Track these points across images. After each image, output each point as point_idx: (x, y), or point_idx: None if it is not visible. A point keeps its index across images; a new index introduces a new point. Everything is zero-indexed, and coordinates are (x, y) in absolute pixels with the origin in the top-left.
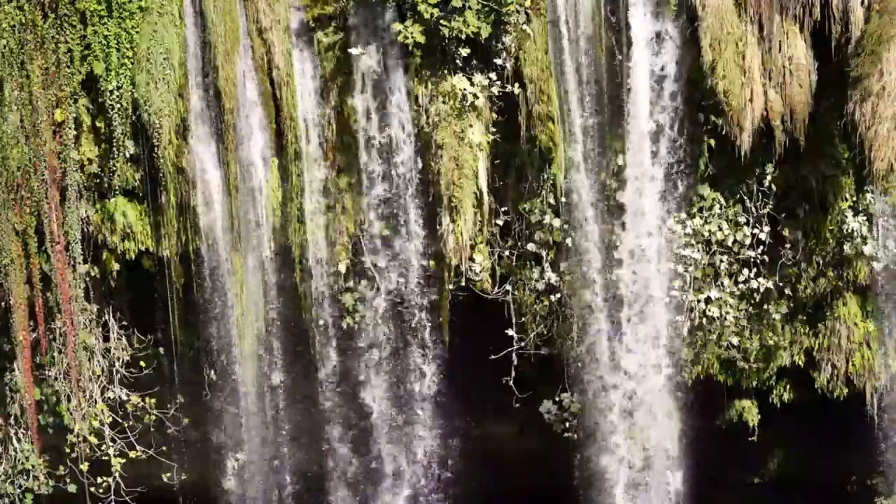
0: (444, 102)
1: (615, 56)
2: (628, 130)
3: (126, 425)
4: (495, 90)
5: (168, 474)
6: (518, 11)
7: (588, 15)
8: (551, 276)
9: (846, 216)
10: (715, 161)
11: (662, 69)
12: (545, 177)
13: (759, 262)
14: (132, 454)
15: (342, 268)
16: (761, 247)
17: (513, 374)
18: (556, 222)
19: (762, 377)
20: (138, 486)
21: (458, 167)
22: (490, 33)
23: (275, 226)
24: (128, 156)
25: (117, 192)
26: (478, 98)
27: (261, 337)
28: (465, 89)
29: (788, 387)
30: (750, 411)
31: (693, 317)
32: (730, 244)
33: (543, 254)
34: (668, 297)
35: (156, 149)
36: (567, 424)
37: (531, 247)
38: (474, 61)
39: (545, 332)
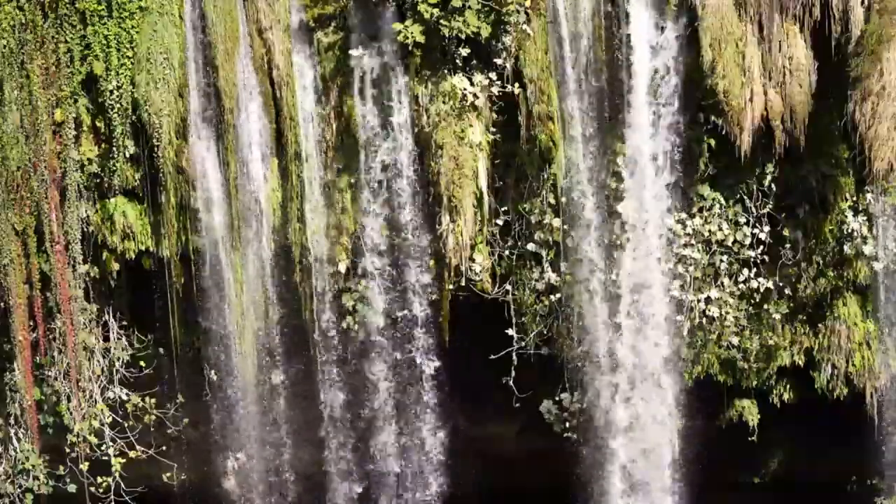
0: (444, 102)
1: (615, 56)
2: (628, 130)
3: (126, 425)
4: (495, 90)
5: (168, 474)
6: (518, 11)
7: (588, 15)
8: (551, 276)
9: (846, 216)
10: (715, 161)
11: (662, 69)
12: (545, 177)
13: (759, 262)
14: (132, 454)
15: (342, 268)
16: (761, 247)
17: (513, 373)
18: (556, 222)
19: (762, 377)
20: (138, 486)
21: (458, 167)
22: (490, 33)
23: (275, 226)
24: (128, 156)
25: (117, 192)
26: (478, 98)
27: (261, 337)
28: (465, 89)
29: (788, 387)
30: (750, 411)
31: (693, 317)
32: (730, 244)
33: (543, 254)
34: (668, 296)
35: (156, 149)
36: (567, 424)
37: (531, 247)
38: (474, 61)
39: (545, 332)
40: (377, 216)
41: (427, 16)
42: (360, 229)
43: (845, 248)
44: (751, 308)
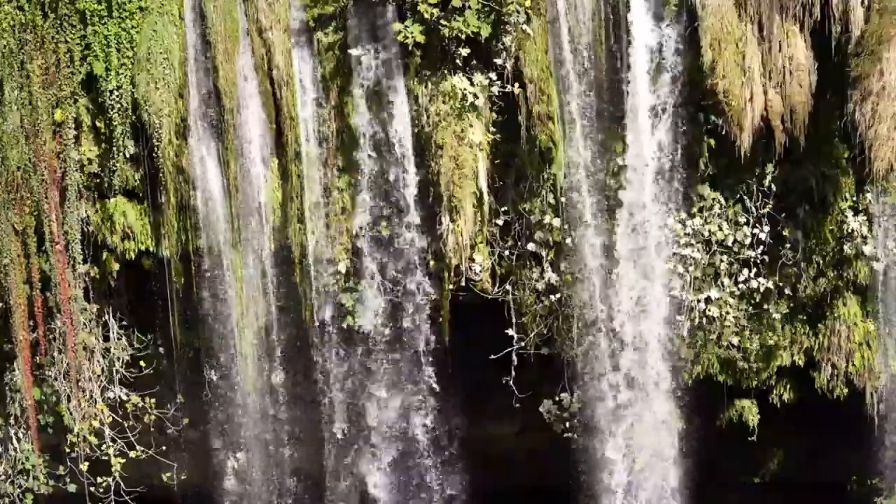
0: (444, 102)
1: (615, 56)
2: (628, 130)
3: (126, 425)
4: (495, 90)
5: (168, 474)
6: (518, 11)
7: (588, 15)
8: (551, 276)
9: (846, 216)
10: (715, 161)
11: (662, 69)
12: (545, 177)
13: (759, 261)
14: (132, 454)
15: (342, 268)
16: (761, 247)
17: (513, 373)
18: (556, 222)
19: (762, 377)
20: (138, 486)
21: (458, 167)
22: (490, 33)
23: (275, 225)
24: (128, 156)
25: (117, 192)
26: (478, 98)
27: (261, 337)
28: (465, 89)
29: (788, 387)
30: (750, 411)
31: (693, 317)
32: (730, 244)
33: (543, 254)
34: (668, 296)
35: (156, 149)
36: (567, 424)
37: (531, 247)
38: (474, 61)
39: (545, 332)
40: (377, 216)
41: (427, 16)
42: (359, 229)
43: (845, 248)
44: (751, 308)
